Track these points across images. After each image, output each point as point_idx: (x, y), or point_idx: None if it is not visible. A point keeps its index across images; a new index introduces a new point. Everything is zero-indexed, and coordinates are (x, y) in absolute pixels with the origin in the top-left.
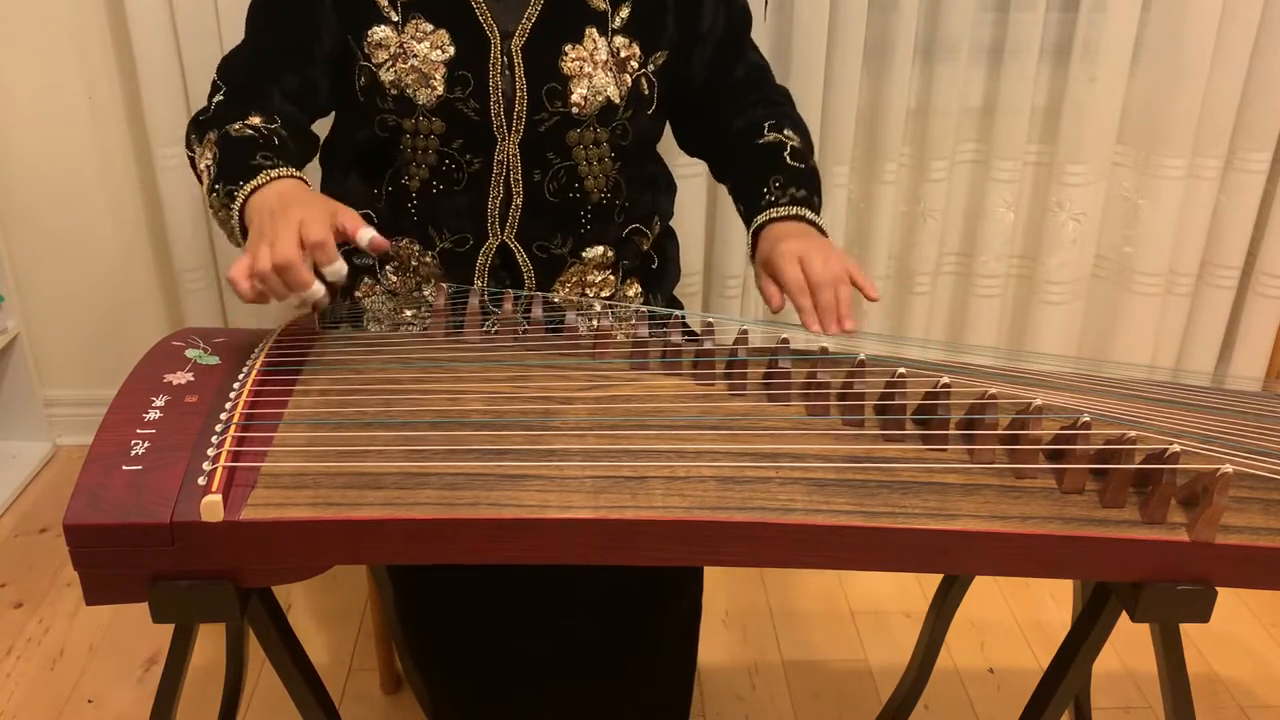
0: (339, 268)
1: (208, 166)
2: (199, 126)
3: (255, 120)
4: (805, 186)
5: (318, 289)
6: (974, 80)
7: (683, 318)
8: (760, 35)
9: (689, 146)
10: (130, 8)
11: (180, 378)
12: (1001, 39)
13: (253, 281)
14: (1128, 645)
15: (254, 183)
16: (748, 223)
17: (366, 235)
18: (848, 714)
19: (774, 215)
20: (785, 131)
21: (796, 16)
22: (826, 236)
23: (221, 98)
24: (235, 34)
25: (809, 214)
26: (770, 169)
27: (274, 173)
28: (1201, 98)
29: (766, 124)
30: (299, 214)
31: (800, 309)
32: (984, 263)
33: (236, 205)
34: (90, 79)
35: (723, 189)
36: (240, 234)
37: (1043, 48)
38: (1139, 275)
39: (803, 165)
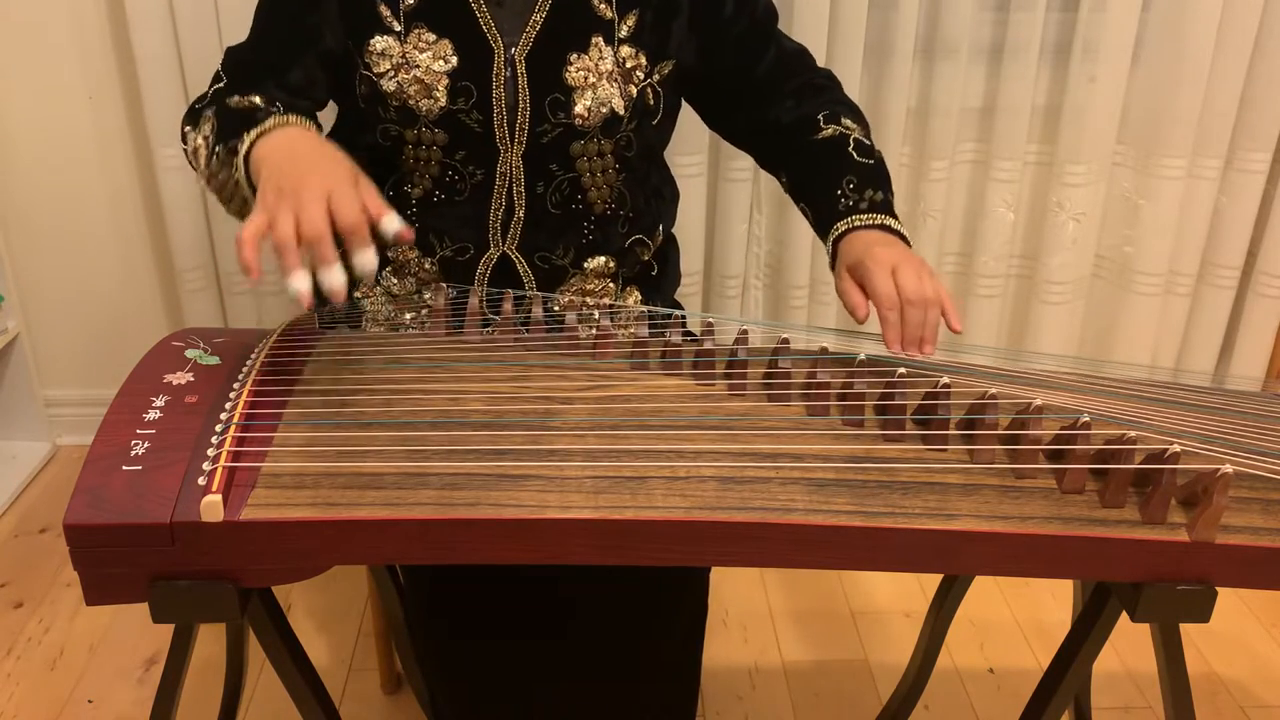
0: (370, 258)
1: (205, 139)
2: (194, 114)
3: (255, 98)
4: (881, 187)
5: (339, 276)
6: (974, 80)
7: (683, 318)
8: None
9: (731, 139)
10: (130, 8)
11: (180, 378)
12: (1001, 39)
13: (257, 251)
14: (1128, 645)
15: (260, 128)
16: (824, 228)
17: (393, 225)
18: (848, 714)
19: (855, 224)
20: (844, 122)
21: (796, 16)
22: (910, 245)
23: (220, 86)
24: (235, 34)
25: (893, 223)
26: (839, 169)
27: (281, 118)
28: (1201, 98)
29: (821, 115)
30: (324, 180)
31: (885, 322)
32: (984, 263)
33: (241, 153)
34: (90, 79)
35: (722, 190)
36: (249, 187)
37: (1043, 48)
38: (1139, 275)
39: (871, 160)
